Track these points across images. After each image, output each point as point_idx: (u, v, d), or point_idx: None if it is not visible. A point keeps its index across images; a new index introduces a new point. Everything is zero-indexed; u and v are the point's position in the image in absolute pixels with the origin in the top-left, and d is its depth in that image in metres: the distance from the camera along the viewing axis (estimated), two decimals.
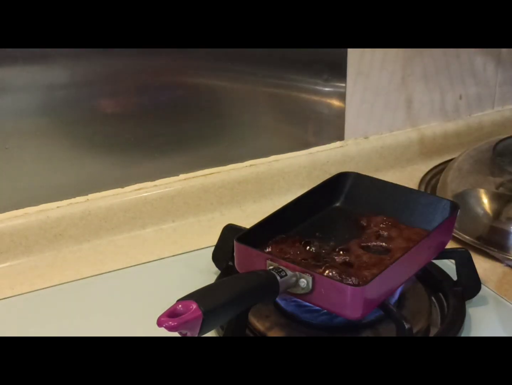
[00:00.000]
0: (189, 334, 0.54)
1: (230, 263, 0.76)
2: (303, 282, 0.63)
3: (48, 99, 0.81)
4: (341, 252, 0.71)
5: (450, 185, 0.92)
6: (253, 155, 0.95)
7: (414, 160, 1.05)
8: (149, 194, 0.89)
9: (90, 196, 0.87)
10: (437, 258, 0.73)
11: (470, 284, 0.73)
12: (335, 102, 0.98)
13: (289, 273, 0.63)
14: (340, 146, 1.00)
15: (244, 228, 0.74)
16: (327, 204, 0.80)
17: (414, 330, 0.64)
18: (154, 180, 0.90)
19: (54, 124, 0.82)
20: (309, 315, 0.68)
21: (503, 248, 0.82)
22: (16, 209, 0.83)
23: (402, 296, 0.71)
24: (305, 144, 0.98)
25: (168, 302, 0.55)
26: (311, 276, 0.62)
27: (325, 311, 0.66)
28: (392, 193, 0.79)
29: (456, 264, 0.74)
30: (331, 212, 0.79)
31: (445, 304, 0.72)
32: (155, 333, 0.54)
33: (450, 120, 1.09)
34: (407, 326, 0.62)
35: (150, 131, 0.88)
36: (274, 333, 0.67)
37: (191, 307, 0.54)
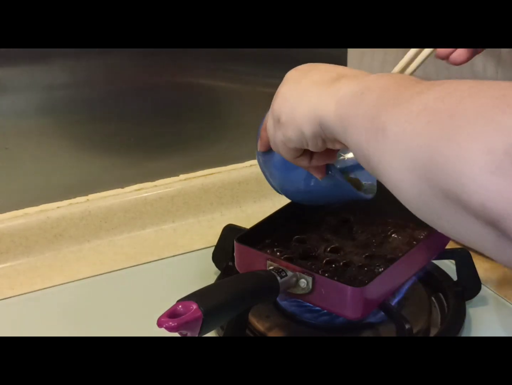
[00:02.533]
0: (189, 334, 0.54)
1: (230, 263, 0.76)
2: (303, 282, 0.63)
3: (48, 99, 0.81)
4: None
5: None
6: (253, 155, 0.94)
7: None
8: (149, 194, 0.89)
9: (90, 196, 0.86)
10: (437, 258, 0.73)
11: (470, 284, 0.73)
12: None
13: (289, 273, 0.63)
14: None
15: (244, 228, 0.74)
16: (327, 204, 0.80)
17: (414, 330, 0.64)
18: (154, 180, 0.90)
19: (54, 124, 0.82)
20: (309, 315, 0.68)
21: None
22: (16, 209, 0.83)
23: (402, 296, 0.71)
24: None
25: (168, 302, 0.55)
26: (311, 276, 0.62)
27: (325, 311, 0.66)
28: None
29: (456, 264, 0.73)
30: (331, 211, 0.79)
31: (445, 304, 0.72)
32: (155, 333, 0.54)
33: None
34: (407, 326, 0.62)
35: (150, 131, 0.88)
36: (274, 333, 0.67)
37: (191, 307, 0.54)
